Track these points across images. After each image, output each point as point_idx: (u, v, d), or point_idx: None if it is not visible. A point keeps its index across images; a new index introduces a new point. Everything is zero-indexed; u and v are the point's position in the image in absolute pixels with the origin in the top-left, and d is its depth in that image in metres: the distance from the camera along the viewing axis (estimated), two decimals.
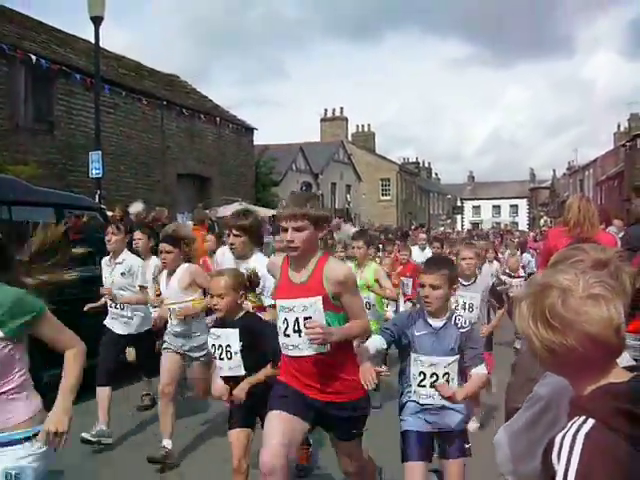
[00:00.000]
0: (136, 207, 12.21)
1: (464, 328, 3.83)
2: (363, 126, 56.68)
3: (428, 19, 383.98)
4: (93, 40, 14.69)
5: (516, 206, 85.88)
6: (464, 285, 5.89)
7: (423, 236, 14.26)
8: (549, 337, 1.45)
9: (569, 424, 1.41)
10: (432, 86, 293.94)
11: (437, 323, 3.81)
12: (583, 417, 1.40)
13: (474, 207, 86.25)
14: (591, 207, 5.24)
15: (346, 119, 50.97)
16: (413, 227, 34.19)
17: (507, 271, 10.71)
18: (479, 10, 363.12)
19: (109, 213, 10.67)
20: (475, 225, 70.33)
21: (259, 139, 30.03)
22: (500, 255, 14.95)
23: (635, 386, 1.43)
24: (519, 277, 10.42)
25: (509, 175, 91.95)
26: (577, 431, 1.38)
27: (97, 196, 13.91)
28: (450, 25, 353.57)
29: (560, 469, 1.35)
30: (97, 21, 14.30)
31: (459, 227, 65.06)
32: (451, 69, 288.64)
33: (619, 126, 50.18)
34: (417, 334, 3.80)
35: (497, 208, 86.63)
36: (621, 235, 8.60)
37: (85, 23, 14.53)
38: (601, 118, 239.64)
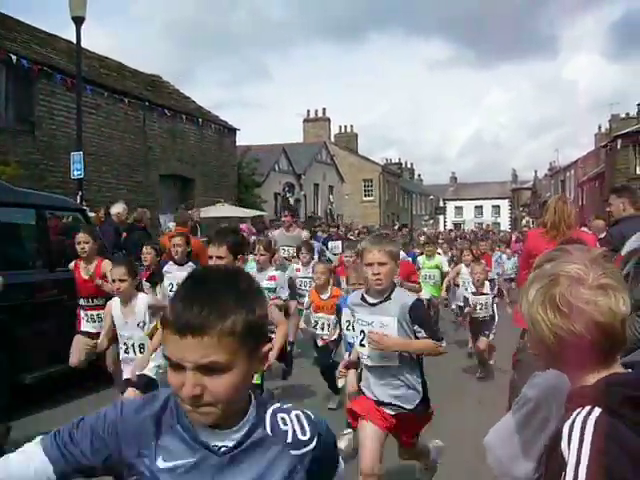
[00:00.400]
0: (117, 208, 12.16)
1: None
2: (346, 127, 56.79)
3: (412, 20, 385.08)
4: (75, 40, 14.63)
5: (498, 207, 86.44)
6: (370, 304, 4.06)
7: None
8: (558, 322, 1.47)
9: (574, 414, 1.42)
10: (415, 87, 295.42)
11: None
12: (588, 407, 1.41)
13: (456, 207, 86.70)
14: (567, 208, 5.26)
15: (329, 120, 51.01)
16: (396, 227, 34.29)
17: (472, 285, 9.01)
18: (462, 11, 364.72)
19: (91, 214, 10.63)
20: (457, 225, 70.66)
21: (242, 140, 30.03)
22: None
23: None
24: (483, 294, 8.72)
25: (492, 176, 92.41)
26: (585, 419, 1.39)
27: (79, 197, 13.84)
28: (433, 26, 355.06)
29: (572, 457, 1.36)
30: (78, 21, 14.23)
31: (442, 227, 65.31)
32: (434, 70, 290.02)
33: (600, 127, 50.64)
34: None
35: (479, 209, 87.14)
36: (602, 236, 8.70)
37: (66, 23, 14.39)
38: (583, 119, 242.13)
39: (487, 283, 8.94)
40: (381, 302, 4.00)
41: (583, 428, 1.38)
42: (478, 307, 8.69)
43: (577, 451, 1.36)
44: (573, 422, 1.40)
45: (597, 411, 1.39)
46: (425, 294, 9.98)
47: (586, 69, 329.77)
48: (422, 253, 12.01)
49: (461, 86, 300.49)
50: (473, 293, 8.79)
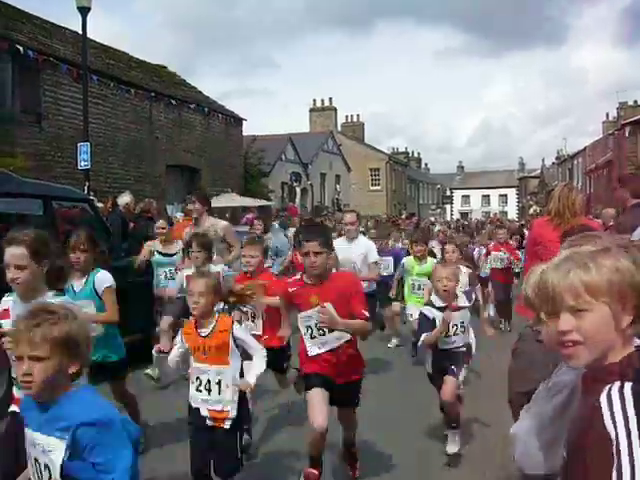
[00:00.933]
0: (124, 198, 12.18)
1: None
2: (352, 116, 56.65)
3: (420, 9, 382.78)
4: (80, 31, 14.63)
5: (505, 196, 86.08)
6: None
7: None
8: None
9: (605, 390, 1.45)
10: (423, 76, 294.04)
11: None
12: (618, 382, 1.45)
13: (464, 197, 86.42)
14: (572, 195, 5.22)
15: (335, 109, 50.89)
16: (404, 216, 34.24)
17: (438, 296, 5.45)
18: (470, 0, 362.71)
19: (99, 205, 10.66)
20: (464, 215, 70.49)
21: (249, 130, 30.00)
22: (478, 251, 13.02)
23: None
24: (459, 308, 5.39)
25: (499, 165, 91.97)
26: (621, 392, 1.43)
27: (86, 188, 13.88)
28: (442, 15, 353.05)
29: (620, 429, 1.38)
30: (84, 11, 14.25)
31: (449, 217, 65.18)
32: (442, 59, 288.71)
33: (607, 115, 50.35)
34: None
35: (486, 198, 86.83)
36: (611, 224, 8.68)
37: (72, 14, 14.39)
38: (592, 107, 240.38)
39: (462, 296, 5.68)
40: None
41: (622, 396, 1.41)
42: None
43: (624, 422, 1.38)
44: (610, 397, 1.43)
45: (628, 385, 1.43)
46: (413, 310, 7.77)
47: (594, 57, 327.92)
48: (409, 254, 8.96)
49: (469, 75, 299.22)
50: (440, 308, 5.34)
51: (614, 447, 1.37)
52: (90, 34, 15.11)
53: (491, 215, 51.42)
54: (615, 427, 1.39)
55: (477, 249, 13.58)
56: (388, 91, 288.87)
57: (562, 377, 1.79)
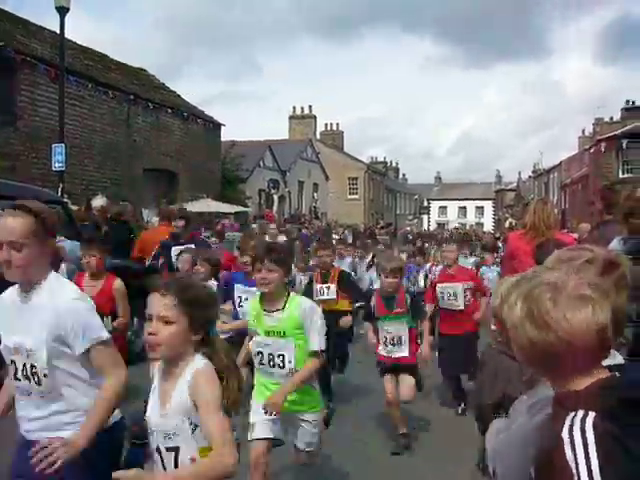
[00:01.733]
0: (99, 201, 12.04)
1: None
2: (332, 124, 56.74)
3: (406, 18, 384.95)
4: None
5: (482, 207, 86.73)
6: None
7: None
8: (537, 335, 1.47)
9: (568, 419, 1.43)
10: (407, 86, 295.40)
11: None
12: (582, 411, 1.42)
13: (441, 207, 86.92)
14: (547, 209, 5.31)
15: (315, 117, 50.96)
16: (379, 226, 34.32)
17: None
18: (455, 10, 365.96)
19: (73, 207, 10.53)
20: (441, 225, 70.83)
21: (228, 135, 29.91)
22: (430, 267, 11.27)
23: (630, 377, 1.50)
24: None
25: (480, 176, 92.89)
26: (583, 423, 1.40)
27: (60, 190, 13.72)
28: (426, 24, 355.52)
29: (581, 464, 1.36)
30: (63, 11, 14.13)
31: (425, 227, 65.47)
32: (426, 69, 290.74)
33: (584, 131, 50.96)
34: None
35: (463, 209, 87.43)
36: (584, 237, 8.74)
37: (53, 14, 14.27)
38: (572, 121, 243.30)
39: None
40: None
41: (584, 432, 1.39)
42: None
43: (585, 456, 1.37)
44: (571, 426, 1.41)
45: (591, 415, 1.41)
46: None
47: (576, 72, 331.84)
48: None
49: (452, 86, 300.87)
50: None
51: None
52: (70, 35, 15.00)
53: (467, 226, 51.46)
54: (575, 459, 1.38)
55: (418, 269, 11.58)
56: (372, 100, 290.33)
57: (547, 392, 1.72)
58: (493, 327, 4.76)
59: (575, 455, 1.38)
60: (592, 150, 38.87)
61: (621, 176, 35.00)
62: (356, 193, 53.40)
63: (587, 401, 1.44)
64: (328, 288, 7.07)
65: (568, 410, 1.46)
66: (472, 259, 13.14)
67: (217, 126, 27.66)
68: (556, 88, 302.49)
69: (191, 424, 2.45)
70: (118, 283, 5.98)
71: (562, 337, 1.44)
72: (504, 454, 1.80)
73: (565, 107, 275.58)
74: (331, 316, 5.95)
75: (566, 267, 1.55)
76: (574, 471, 1.37)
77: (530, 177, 68.21)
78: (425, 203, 77.97)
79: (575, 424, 1.41)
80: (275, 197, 35.49)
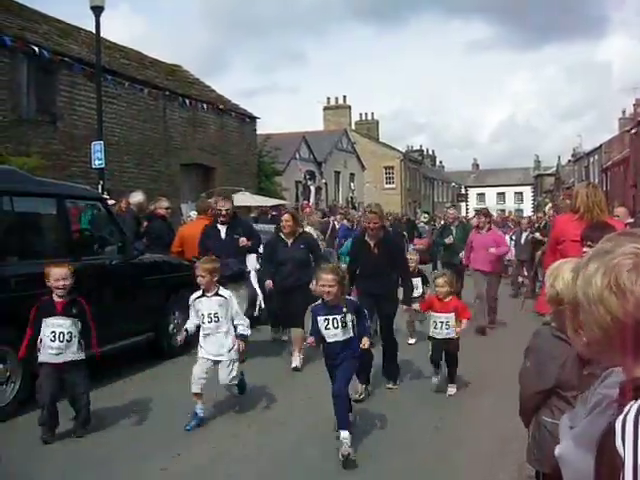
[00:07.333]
0: (137, 197, 12.16)
1: None
2: (367, 114, 56.60)
3: (447, 1, 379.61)
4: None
5: (521, 193, 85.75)
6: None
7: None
8: (618, 306, 1.36)
9: (626, 408, 1.34)
10: (448, 71, 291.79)
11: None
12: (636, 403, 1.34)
13: (479, 194, 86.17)
14: (599, 193, 5.32)
15: (349, 107, 50.85)
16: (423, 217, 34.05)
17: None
18: None
19: (111, 202, 10.67)
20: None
21: (264, 127, 30.02)
22: None
23: None
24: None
25: (521, 162, 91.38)
26: (637, 415, 1.31)
27: (100, 187, 13.92)
28: (470, 8, 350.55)
29: (628, 454, 1.29)
30: (97, 11, 14.29)
31: (464, 214, 64.95)
32: (468, 54, 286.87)
33: (624, 112, 49.93)
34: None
35: (501, 195, 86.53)
36: (629, 221, 8.62)
37: (89, 14, 14.44)
38: (614, 104, 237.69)
39: None
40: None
41: (637, 423, 1.30)
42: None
43: (633, 448, 1.29)
44: (625, 416, 1.33)
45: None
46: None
47: (620, 53, 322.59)
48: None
49: (495, 70, 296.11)
50: None
51: (622, 473, 1.29)
52: (105, 34, 15.17)
53: (506, 212, 50.70)
54: (624, 451, 1.29)
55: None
56: (414, 86, 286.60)
57: (607, 391, 1.63)
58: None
59: (624, 448, 1.30)
60: (633, 131, 38.07)
61: None
62: (392, 182, 53.21)
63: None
64: None
65: (629, 399, 1.36)
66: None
67: (252, 119, 27.77)
68: (599, 70, 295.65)
69: None
70: None
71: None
72: (573, 459, 1.69)
73: (607, 90, 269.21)
74: None
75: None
76: (619, 465, 1.30)
77: (570, 161, 67.21)
78: (463, 190, 77.36)
79: (630, 413, 1.32)
80: (312, 188, 35.52)
